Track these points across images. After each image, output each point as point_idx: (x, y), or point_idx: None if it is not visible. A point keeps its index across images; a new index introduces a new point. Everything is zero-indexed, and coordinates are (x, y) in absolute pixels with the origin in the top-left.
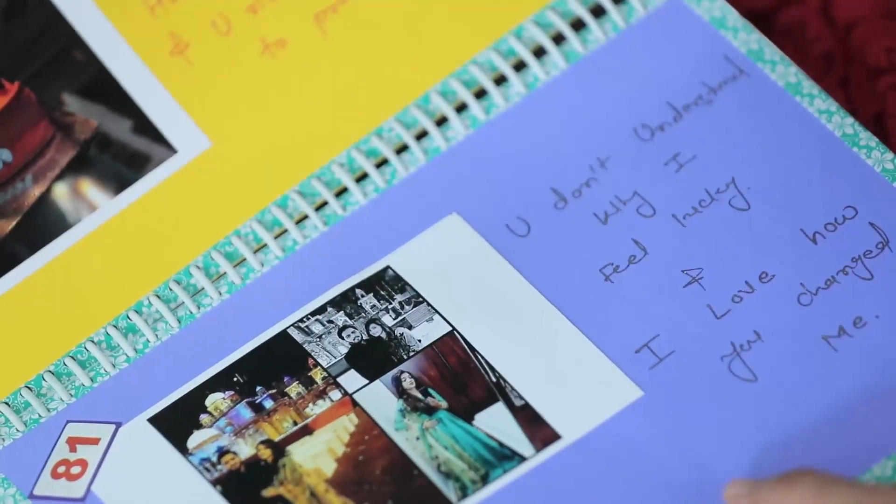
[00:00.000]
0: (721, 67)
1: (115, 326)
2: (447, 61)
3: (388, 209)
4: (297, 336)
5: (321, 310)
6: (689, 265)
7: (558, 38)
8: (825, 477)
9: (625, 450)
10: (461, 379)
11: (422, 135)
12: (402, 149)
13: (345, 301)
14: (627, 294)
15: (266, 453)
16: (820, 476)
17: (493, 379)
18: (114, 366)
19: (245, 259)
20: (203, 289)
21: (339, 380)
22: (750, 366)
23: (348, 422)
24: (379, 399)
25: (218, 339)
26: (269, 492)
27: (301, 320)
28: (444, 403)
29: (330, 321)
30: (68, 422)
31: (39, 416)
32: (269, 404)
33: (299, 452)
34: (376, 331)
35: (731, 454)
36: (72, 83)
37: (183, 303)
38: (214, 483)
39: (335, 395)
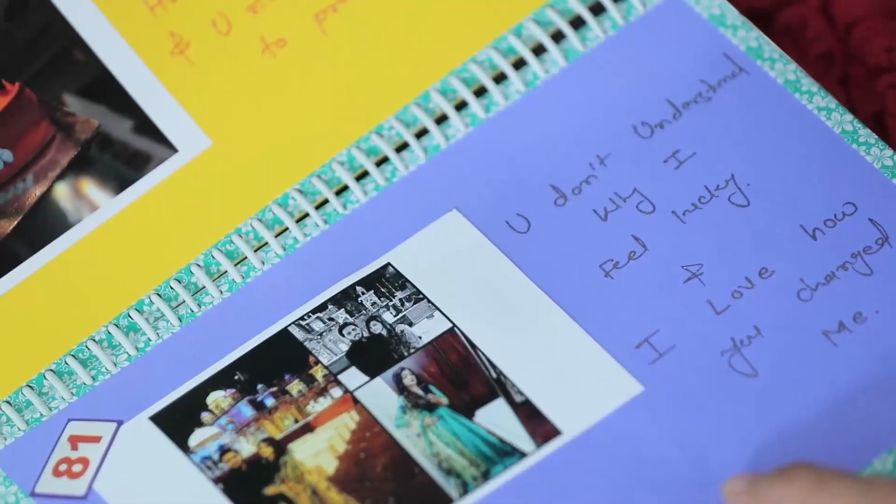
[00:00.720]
0: (720, 65)
1: (116, 325)
2: (447, 59)
3: (388, 207)
4: (298, 334)
5: (322, 307)
6: (689, 261)
7: (558, 36)
8: (823, 470)
9: (625, 445)
10: (462, 375)
11: (422, 133)
12: (402, 147)
13: (345, 298)
14: (627, 290)
15: (267, 451)
16: (818, 469)
17: (494, 375)
18: (115, 364)
19: (246, 257)
20: (204, 287)
21: (339, 377)
22: (750, 361)
23: (349, 419)
24: (380, 396)
25: (219, 337)
26: (270, 490)
27: (302, 318)
28: (444, 400)
29: (331, 319)
30: (70, 420)
31: (41, 414)
32: (270, 402)
33: (301, 450)
34: (377, 328)
35: (731, 449)
36: (72, 83)
37: (184, 301)
38: (216, 481)
39: (336, 392)
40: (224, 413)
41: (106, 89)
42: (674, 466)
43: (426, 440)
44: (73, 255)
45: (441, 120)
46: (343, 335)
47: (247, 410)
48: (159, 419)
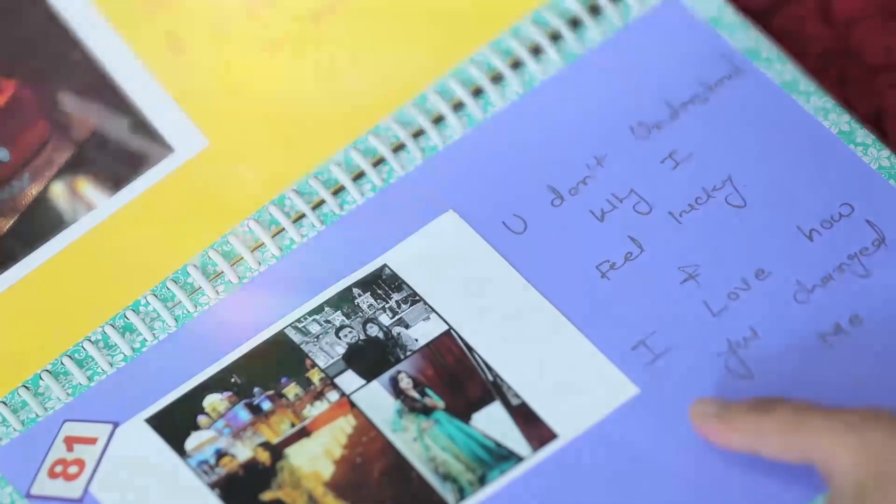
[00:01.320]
0: (718, 65)
1: (112, 325)
2: (445, 60)
3: (385, 207)
4: (295, 336)
5: (318, 309)
6: (686, 262)
7: (556, 37)
8: (800, 404)
9: (621, 448)
10: (458, 378)
11: (419, 133)
12: (399, 147)
13: (342, 300)
14: (624, 291)
15: (264, 456)
16: (794, 403)
17: (490, 378)
18: (111, 365)
19: (242, 258)
20: (200, 288)
21: (336, 380)
22: (746, 363)
23: (346, 423)
24: (376, 400)
25: (215, 338)
26: (268, 495)
27: (298, 320)
28: (441, 403)
29: (327, 321)
30: (65, 421)
31: (37, 415)
32: (266, 406)
33: (297, 455)
34: (373, 330)
35: (727, 451)
36: (69, 82)
37: (180, 302)
38: (213, 486)
39: (333, 396)
40: (221, 416)
41: (103, 88)
42: (670, 468)
43: (422, 445)
44: (69, 255)
45: (438, 120)
46: (340, 338)
47: (243, 414)
48: (155, 422)
